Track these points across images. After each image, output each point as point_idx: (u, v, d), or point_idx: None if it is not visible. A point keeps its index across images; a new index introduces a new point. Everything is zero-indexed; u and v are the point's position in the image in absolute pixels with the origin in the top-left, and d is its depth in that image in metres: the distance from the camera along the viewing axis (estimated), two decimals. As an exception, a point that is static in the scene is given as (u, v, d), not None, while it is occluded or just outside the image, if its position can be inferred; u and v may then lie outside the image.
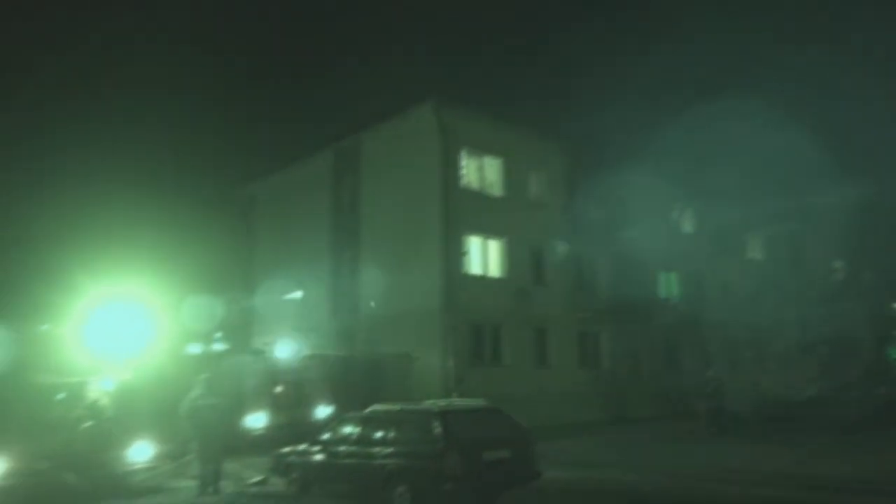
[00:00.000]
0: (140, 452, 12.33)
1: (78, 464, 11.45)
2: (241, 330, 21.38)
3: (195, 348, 15.77)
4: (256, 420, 16.55)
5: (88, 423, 11.94)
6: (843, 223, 20.79)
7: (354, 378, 19.27)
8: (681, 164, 28.33)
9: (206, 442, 11.75)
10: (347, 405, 15.12)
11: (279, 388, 17.54)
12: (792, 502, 10.24)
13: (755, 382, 23.65)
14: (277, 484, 12.59)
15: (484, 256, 22.21)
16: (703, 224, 30.74)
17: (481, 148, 22.65)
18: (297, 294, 25.01)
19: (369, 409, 11.56)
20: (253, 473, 13.44)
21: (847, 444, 15.07)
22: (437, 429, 9.88)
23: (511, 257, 22.62)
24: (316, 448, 11.87)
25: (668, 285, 28.87)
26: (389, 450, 10.44)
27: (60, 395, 11.97)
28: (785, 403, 23.14)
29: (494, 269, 22.39)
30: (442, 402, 11.49)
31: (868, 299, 26.73)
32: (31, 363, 11.56)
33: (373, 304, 22.24)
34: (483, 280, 21.82)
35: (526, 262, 23.11)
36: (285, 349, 18.33)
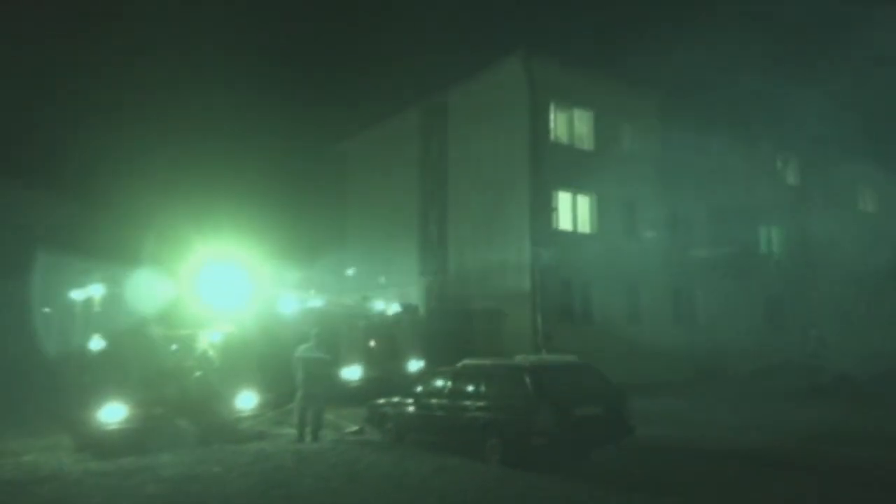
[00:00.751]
0: (245, 401, 13.06)
1: (190, 410, 12.27)
2: (335, 286, 22.07)
3: (292, 304, 16.41)
4: (352, 372, 17.16)
5: (199, 373, 12.72)
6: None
7: (445, 333, 19.59)
8: (784, 112, 26.71)
9: (311, 392, 12.32)
10: (439, 360, 15.42)
11: (373, 343, 18.07)
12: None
13: (865, 340, 22.48)
14: (373, 433, 13.07)
15: (574, 212, 21.88)
16: (809, 176, 29.05)
17: (571, 101, 22.14)
18: (386, 251, 25.51)
19: (460, 363, 11.75)
20: (349, 423, 14.00)
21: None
22: (528, 384, 9.95)
23: (601, 212, 22.17)
24: (409, 400, 12.23)
25: (770, 240, 27.60)
26: (481, 403, 10.61)
27: (174, 347, 12.77)
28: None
29: (584, 224, 22.05)
30: (532, 358, 11.54)
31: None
32: (148, 316, 12.32)
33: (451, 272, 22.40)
34: (573, 236, 21.54)
35: (617, 216, 22.61)
36: (378, 304, 18.81)
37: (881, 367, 20.41)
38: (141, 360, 12.01)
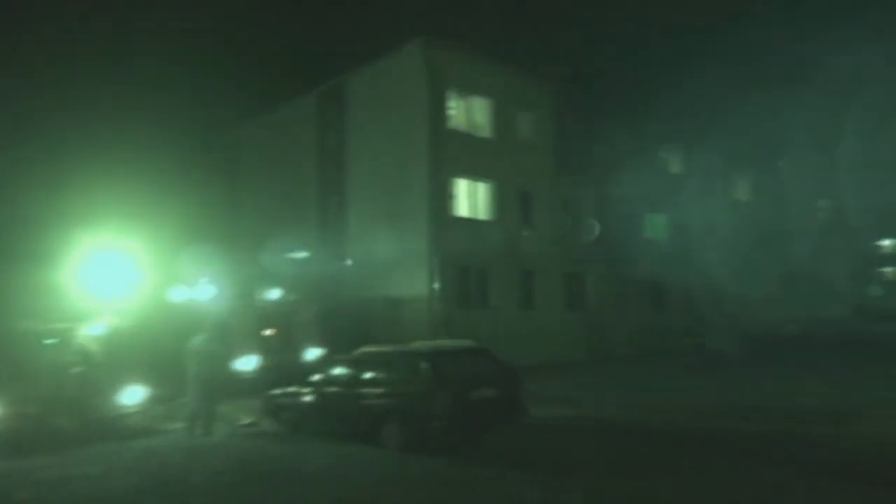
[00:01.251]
0: (131, 396, 12.42)
1: (68, 408, 11.53)
2: (227, 276, 21.33)
3: (181, 294, 15.73)
4: (247, 363, 16.68)
5: (78, 369, 11.97)
6: (829, 163, 20.81)
7: (343, 321, 19.37)
8: (670, 105, 28.06)
9: (205, 385, 11.84)
10: (336, 348, 15.24)
11: (268, 331, 17.62)
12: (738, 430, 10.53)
13: (738, 321, 24.13)
14: (268, 425, 12.76)
15: (472, 199, 22.12)
16: (690, 165, 30.69)
17: (469, 89, 22.30)
18: (285, 243, 24.89)
19: (358, 351, 11.65)
20: (244, 415, 13.61)
21: (820, 377, 15.40)
22: (426, 369, 9.99)
23: (499, 200, 22.54)
24: (306, 390, 12.01)
25: (656, 227, 28.98)
26: (379, 390, 10.57)
27: (50, 341, 11.95)
28: (767, 339, 23.73)
29: (482, 211, 22.33)
30: (430, 344, 11.60)
31: (851, 239, 27.00)
32: (20, 309, 11.49)
33: (349, 262, 22.21)
34: (471, 223, 21.78)
35: (514, 204, 23.06)
36: (274, 293, 18.34)
37: (754, 343, 22.05)
38: (11, 356, 11.16)
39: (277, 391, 12.78)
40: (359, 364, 11.30)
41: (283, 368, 16.16)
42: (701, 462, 8.92)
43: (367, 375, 10.97)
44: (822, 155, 29.16)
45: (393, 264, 20.84)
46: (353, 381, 11.16)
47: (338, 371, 11.62)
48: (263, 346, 17.19)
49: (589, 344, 24.36)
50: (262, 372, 16.50)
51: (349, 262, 22.76)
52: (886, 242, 50.77)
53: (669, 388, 15.60)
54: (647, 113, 28.48)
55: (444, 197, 21.00)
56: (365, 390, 10.79)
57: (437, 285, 20.24)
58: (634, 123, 27.82)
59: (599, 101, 26.23)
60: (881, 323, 35.10)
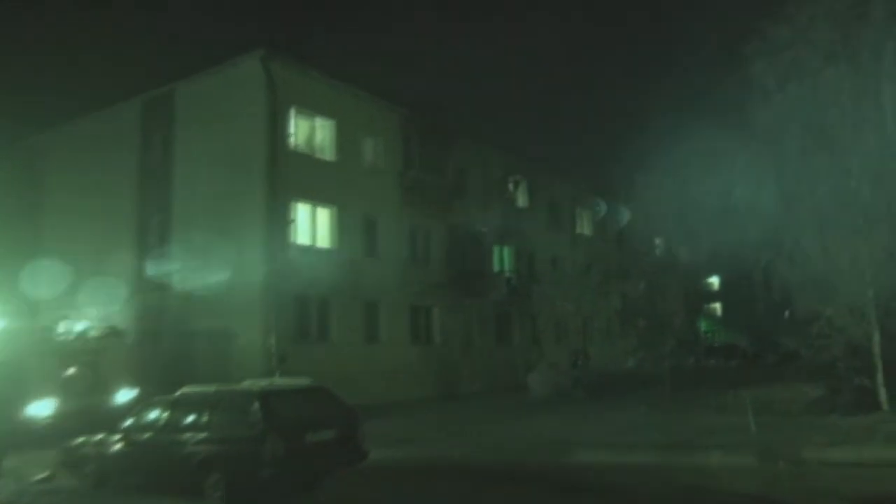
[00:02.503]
0: None
1: None
2: (26, 305, 19.31)
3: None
4: (42, 408, 15.07)
5: None
6: (664, 202, 22.78)
7: (162, 358, 18.14)
8: (517, 137, 29.38)
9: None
10: (155, 388, 14.17)
11: (71, 371, 16.07)
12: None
13: (583, 355, 25.45)
14: (66, 480, 11.55)
15: (312, 225, 21.72)
16: (536, 198, 32.25)
17: (313, 108, 22.02)
18: (95, 267, 23.00)
19: (180, 391, 10.89)
20: (37, 470, 12.23)
21: (659, 411, 16.54)
22: (256, 411, 9.51)
23: (342, 227, 22.31)
24: (115, 437, 11.02)
25: (502, 259, 30.04)
26: (202, 435, 9.90)
27: None
28: (608, 374, 25.26)
29: (323, 239, 21.98)
30: (262, 382, 11.09)
31: (682, 276, 29.55)
32: None
33: (172, 289, 21.04)
34: (311, 251, 21.36)
35: (358, 232, 22.92)
36: (79, 325, 16.81)
37: (598, 378, 23.39)
38: None
39: (80, 440, 11.63)
40: (179, 406, 10.54)
41: (89, 413, 14.79)
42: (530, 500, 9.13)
43: (189, 419, 10.25)
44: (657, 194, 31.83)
45: (223, 294, 19.84)
46: (172, 426, 10.37)
47: (154, 414, 10.77)
48: (64, 388, 15.63)
49: (435, 380, 24.58)
50: (61, 418, 14.97)
51: (172, 289, 21.41)
52: (713, 280, 56.84)
53: (510, 426, 16.00)
54: (496, 144, 29.70)
55: (281, 222, 20.44)
56: (186, 436, 10.07)
57: (272, 317, 19.53)
58: (483, 154, 28.86)
59: (449, 129, 26.98)
60: (708, 357, 38.95)
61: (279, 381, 11.81)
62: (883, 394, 13.63)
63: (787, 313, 21.13)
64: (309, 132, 22.07)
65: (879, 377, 13.67)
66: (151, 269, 22.08)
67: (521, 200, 31.70)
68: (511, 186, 30.92)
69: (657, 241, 27.79)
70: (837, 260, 13.59)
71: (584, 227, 36.64)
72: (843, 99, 13.67)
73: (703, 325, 48.91)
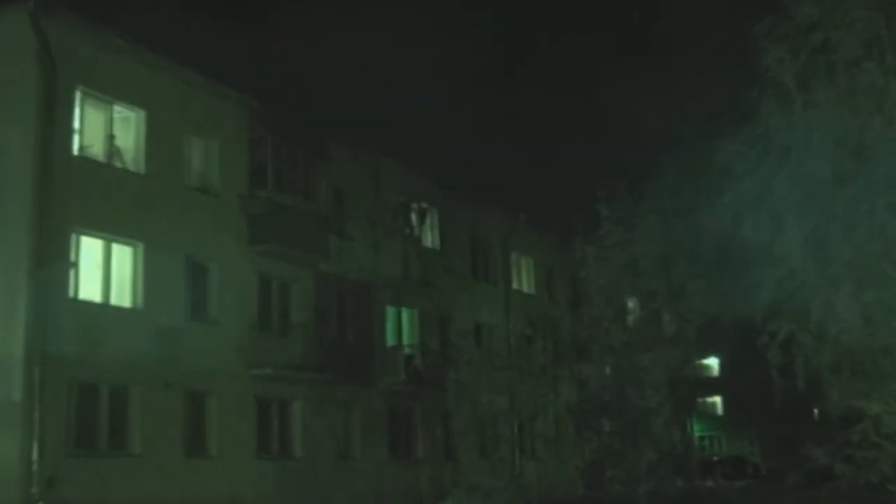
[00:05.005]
0: None
1: None
2: None
3: None
4: None
5: None
6: (641, 246, 23.45)
7: None
8: (426, 148, 29.73)
9: None
10: None
11: None
12: None
13: (516, 474, 25.50)
14: None
15: (105, 271, 21.33)
16: (452, 236, 32.48)
17: (112, 91, 21.79)
18: None
19: None
20: None
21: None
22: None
23: (152, 275, 21.82)
24: None
25: (400, 327, 29.94)
26: None
27: None
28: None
29: (122, 292, 21.57)
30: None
31: (666, 356, 30.08)
32: None
33: None
34: (102, 311, 20.94)
35: (177, 283, 22.49)
36: None
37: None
38: None
39: None
40: None
41: None
42: None
43: None
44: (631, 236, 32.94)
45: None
46: None
47: None
48: None
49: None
50: None
51: None
52: (710, 362, 58.73)
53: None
54: (393, 156, 29.81)
55: (56, 265, 19.85)
56: None
57: (35, 416, 18.77)
58: (373, 171, 28.92)
59: (322, 133, 26.92)
60: (704, 475, 39.76)
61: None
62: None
63: (815, 411, 21.79)
64: (104, 128, 21.74)
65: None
66: None
67: (430, 239, 31.89)
68: (415, 218, 31.07)
69: (630, 303, 28.25)
70: (886, 332, 14.00)
71: (524, 281, 37.15)
72: (891, 104, 14.22)
73: (695, 429, 50.04)
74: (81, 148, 21.10)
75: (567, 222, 33.46)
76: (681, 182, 20.52)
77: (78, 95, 21.03)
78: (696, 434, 50.46)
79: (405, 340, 29.93)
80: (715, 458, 45.78)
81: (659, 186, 22.30)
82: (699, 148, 18.25)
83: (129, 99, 22.16)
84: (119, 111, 22.12)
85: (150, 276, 21.96)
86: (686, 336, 27.52)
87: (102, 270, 21.33)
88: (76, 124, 20.99)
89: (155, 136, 22.56)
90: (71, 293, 20.42)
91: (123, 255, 21.74)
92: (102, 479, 19.69)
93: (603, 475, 24.28)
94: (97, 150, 21.55)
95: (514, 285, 36.13)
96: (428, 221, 31.79)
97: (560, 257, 36.60)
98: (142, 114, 22.41)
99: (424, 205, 31.44)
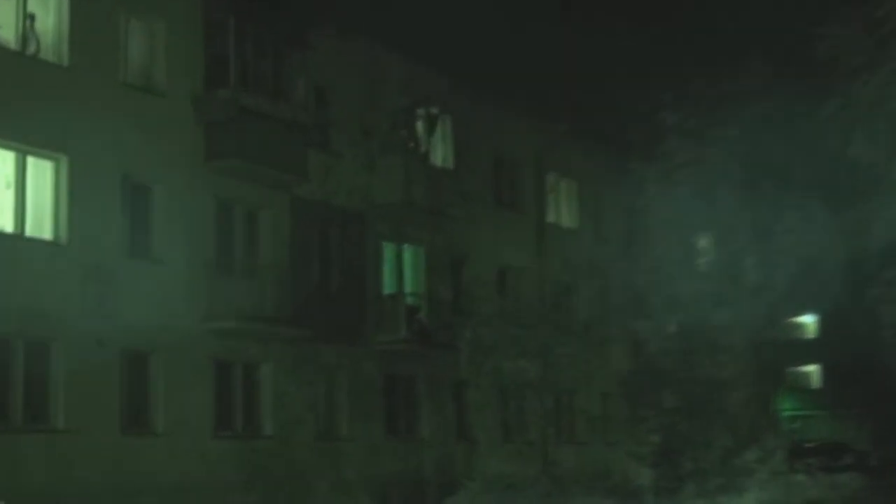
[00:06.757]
0: None
1: None
2: None
3: None
4: None
5: None
6: (717, 166, 23.33)
7: None
8: (434, 30, 29.52)
9: None
10: None
11: None
12: None
13: (549, 461, 25.72)
14: None
15: (18, 193, 21.37)
16: (468, 151, 32.32)
17: None
18: None
19: None
20: None
21: None
22: None
23: (78, 197, 21.87)
24: None
25: (400, 270, 29.94)
26: None
27: None
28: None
29: (40, 221, 21.68)
30: None
31: (749, 313, 29.92)
32: None
33: None
34: (14, 244, 21.01)
35: (111, 208, 22.51)
36: None
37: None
38: None
39: None
40: None
41: None
42: None
43: None
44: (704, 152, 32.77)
45: None
46: None
47: None
48: None
49: (265, 500, 24.30)
50: None
51: None
52: (805, 319, 58.55)
53: None
54: (391, 43, 29.62)
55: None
56: None
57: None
58: (367, 61, 28.71)
59: (299, 9, 26.71)
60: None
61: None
62: None
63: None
64: (17, 6, 21.66)
65: None
66: None
67: (441, 155, 31.75)
68: (421, 127, 30.89)
69: (702, 241, 28.13)
70: None
71: (564, 211, 37.05)
72: None
73: (784, 407, 50.04)
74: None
75: (621, 134, 33.31)
76: (772, 81, 20.23)
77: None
78: (785, 413, 50.47)
79: (407, 287, 29.91)
80: (809, 445, 45.83)
81: (743, 87, 22.02)
82: (798, 34, 18.02)
83: None
84: (34, -18, 21.99)
85: (75, 200, 21.90)
86: (774, 286, 27.42)
87: (15, 192, 21.32)
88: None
89: (82, 17, 22.37)
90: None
91: (41, 172, 21.77)
92: (15, 461, 19.78)
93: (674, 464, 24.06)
94: (7, 35, 21.45)
95: (550, 217, 35.95)
96: (438, 132, 31.55)
97: (611, 180, 36.35)
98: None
99: (434, 110, 31.15)
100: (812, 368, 61.27)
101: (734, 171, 23.28)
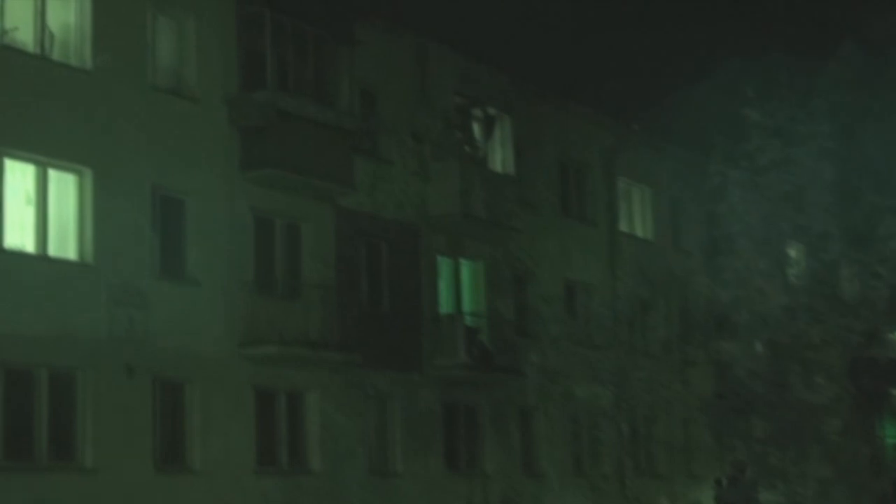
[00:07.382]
0: None
1: None
2: None
3: None
4: None
5: None
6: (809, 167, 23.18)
7: None
8: (492, 36, 29.57)
9: None
10: None
11: None
12: None
13: (628, 497, 25.61)
14: None
15: (40, 209, 21.35)
16: (531, 154, 32.29)
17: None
18: None
19: None
20: None
21: None
22: None
23: (102, 212, 21.97)
24: None
25: (458, 288, 29.95)
26: None
27: None
28: None
29: (64, 240, 21.77)
30: None
31: (846, 330, 29.75)
32: None
33: None
34: (36, 265, 21.12)
35: (140, 225, 22.62)
36: None
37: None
38: None
39: None
40: None
41: None
42: None
43: None
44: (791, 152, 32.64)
45: None
46: None
47: None
48: None
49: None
50: None
51: None
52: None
53: None
54: (443, 40, 29.70)
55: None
56: None
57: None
58: (418, 59, 28.76)
59: (339, 5, 26.80)
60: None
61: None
62: None
63: None
64: (35, 5, 21.81)
65: None
66: None
67: (501, 160, 31.72)
68: (478, 130, 30.91)
69: (793, 251, 28.05)
70: None
71: (638, 220, 36.95)
72: None
73: (888, 434, 49.46)
74: (2, 32, 21.17)
75: (699, 134, 33.29)
76: (872, 71, 20.07)
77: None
78: (890, 441, 49.92)
79: (466, 307, 29.92)
80: (918, 478, 45.14)
81: (838, 78, 21.87)
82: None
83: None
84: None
85: (101, 216, 21.99)
86: (874, 300, 27.18)
87: (36, 209, 21.40)
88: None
89: (106, 16, 22.54)
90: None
91: (64, 187, 21.87)
92: (38, 499, 19.85)
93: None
94: (24, 37, 21.60)
95: (623, 227, 35.90)
96: (496, 135, 31.57)
97: (689, 185, 36.27)
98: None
99: (491, 110, 31.21)
100: (918, 391, 60.42)
101: (826, 171, 23.12)
